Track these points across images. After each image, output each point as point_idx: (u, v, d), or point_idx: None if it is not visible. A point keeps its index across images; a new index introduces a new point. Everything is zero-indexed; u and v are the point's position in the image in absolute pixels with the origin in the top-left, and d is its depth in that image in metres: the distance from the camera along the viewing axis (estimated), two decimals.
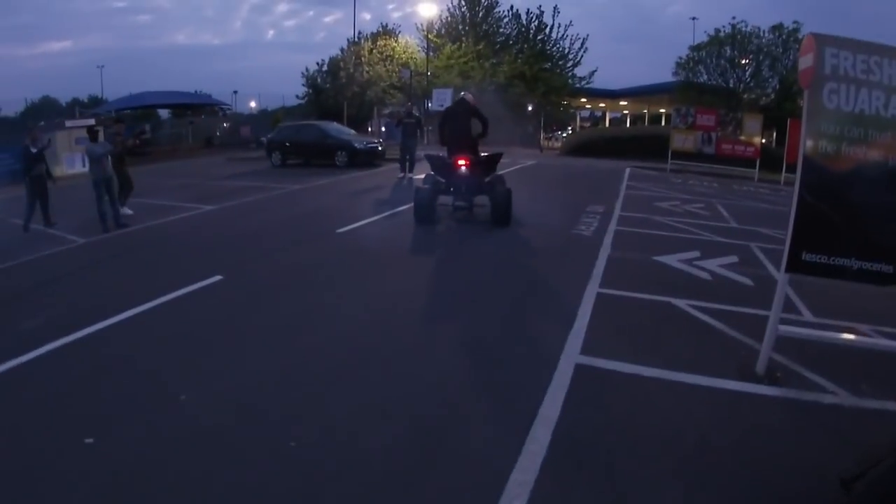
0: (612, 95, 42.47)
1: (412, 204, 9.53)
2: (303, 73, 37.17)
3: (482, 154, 9.37)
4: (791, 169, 18.75)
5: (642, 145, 24.28)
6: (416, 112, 14.84)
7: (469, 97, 9.61)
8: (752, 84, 29.55)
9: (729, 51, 28.64)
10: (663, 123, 42.14)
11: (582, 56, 33.89)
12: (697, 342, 4.80)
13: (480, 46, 32.18)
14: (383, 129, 30.45)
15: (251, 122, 34.72)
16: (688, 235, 9.22)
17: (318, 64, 36.79)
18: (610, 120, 50.91)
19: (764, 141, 20.48)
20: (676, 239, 8.91)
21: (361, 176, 16.64)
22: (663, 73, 34.98)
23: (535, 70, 32.33)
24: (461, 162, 8.81)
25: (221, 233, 9.37)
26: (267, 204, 12.13)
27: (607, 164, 21.01)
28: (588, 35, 33.73)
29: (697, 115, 18.84)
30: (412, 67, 30.66)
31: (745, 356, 4.44)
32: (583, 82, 35.73)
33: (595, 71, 33.77)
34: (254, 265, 7.23)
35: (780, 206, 14.15)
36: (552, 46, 34.11)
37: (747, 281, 6.73)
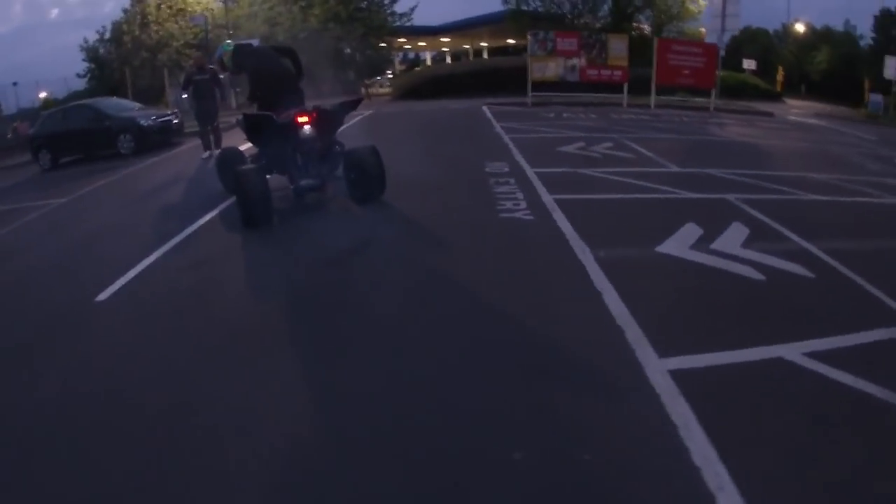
0: (433, 32, 38.98)
1: (233, 200, 5.89)
2: (81, 47, 29.93)
3: (330, 104, 5.98)
4: (662, 92, 17.88)
5: (485, 80, 21.73)
6: (211, 65, 9.96)
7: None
8: (584, 9, 27.94)
9: None
10: (485, 56, 40.38)
11: None
12: None
13: None
14: (184, 96, 24.06)
15: (30, 118, 25.90)
16: (647, 196, 6.30)
17: (98, 33, 29.65)
18: (432, 59, 47.69)
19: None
20: (642, 206, 5.98)
21: (155, 164, 11.31)
22: (485, 5, 31.97)
23: (350, 10, 27.82)
24: (302, 119, 5.42)
25: None
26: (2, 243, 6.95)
27: (457, 104, 17.76)
28: None
29: (558, 39, 16.07)
30: (209, 19, 24.72)
31: None
32: (403, 20, 31.82)
33: (415, 6, 30.04)
34: None
35: (690, 135, 12.00)
36: None
37: (803, 271, 4.10)
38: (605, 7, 28.09)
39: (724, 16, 16.96)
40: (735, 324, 3.35)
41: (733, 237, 4.81)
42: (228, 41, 6.59)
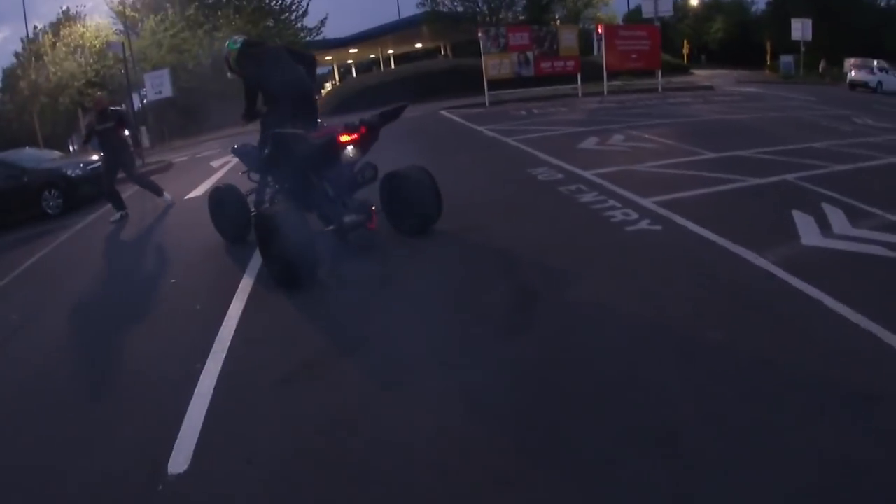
0: (342, 44, 37.96)
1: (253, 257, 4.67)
2: None
3: (376, 115, 4.57)
4: (613, 77, 18.13)
5: (421, 85, 21.36)
6: (116, 107, 8.34)
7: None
8: (500, 5, 28.11)
9: None
10: (393, 66, 39.88)
11: (308, 3, 28.70)
12: None
13: (190, 12, 24.91)
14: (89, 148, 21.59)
15: None
16: (727, 188, 6.05)
17: None
18: (339, 70, 46.59)
19: None
20: (733, 198, 5.74)
21: (98, 222, 8.51)
22: (383, 14, 31.65)
23: (260, 28, 26.36)
24: (346, 137, 4.27)
25: None
26: None
27: (409, 112, 16.93)
28: None
29: (510, 34, 15.82)
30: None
31: None
32: (313, 34, 30.64)
33: (325, 19, 29.10)
34: None
35: (677, 117, 12.11)
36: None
37: None
38: (520, 3, 28.36)
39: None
40: None
41: (838, 220, 4.81)
42: (236, 38, 5.23)
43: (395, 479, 2.23)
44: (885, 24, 36.65)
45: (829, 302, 3.32)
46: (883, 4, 38.77)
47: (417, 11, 30.90)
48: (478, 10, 28.39)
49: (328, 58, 42.44)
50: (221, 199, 5.54)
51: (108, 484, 2.42)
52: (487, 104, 16.09)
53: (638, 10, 40.80)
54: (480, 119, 13.19)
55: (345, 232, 4.58)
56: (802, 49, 24.91)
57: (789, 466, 2.11)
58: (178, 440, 2.60)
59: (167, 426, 2.70)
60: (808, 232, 4.59)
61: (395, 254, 4.81)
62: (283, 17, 29.61)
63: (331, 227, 4.57)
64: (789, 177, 6.44)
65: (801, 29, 24.04)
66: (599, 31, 17.16)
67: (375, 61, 44.77)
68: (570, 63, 16.29)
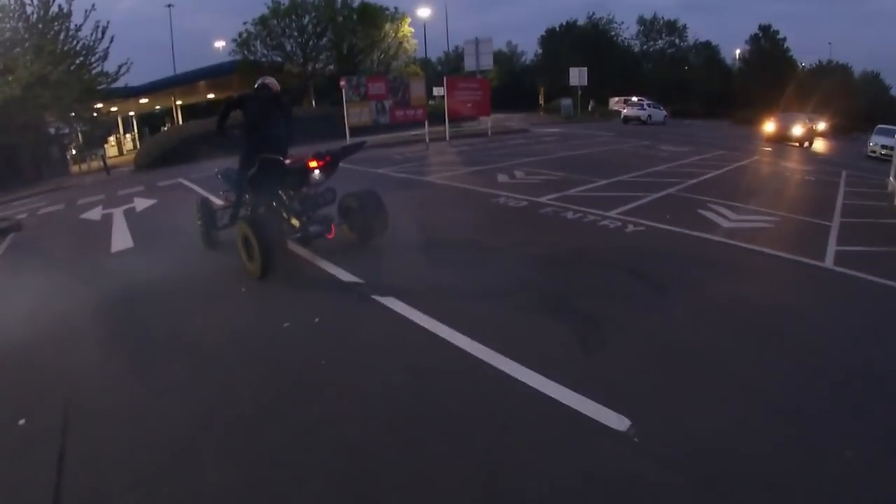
0: (134, 93, 35.06)
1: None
2: None
3: (339, 148, 5.94)
4: (452, 123, 20.13)
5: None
6: None
7: (272, 82, 6.09)
8: (310, 55, 29.27)
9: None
10: (180, 120, 38.14)
11: (109, 46, 26.10)
12: None
13: None
14: None
15: None
16: (645, 200, 8.43)
17: None
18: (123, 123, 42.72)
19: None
20: (657, 205, 8.12)
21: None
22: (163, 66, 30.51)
23: (59, 73, 23.32)
24: (314, 163, 5.48)
25: None
26: None
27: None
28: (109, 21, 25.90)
29: (369, 84, 17.10)
30: None
31: None
32: (109, 81, 27.88)
33: (126, 64, 26.40)
34: None
35: (542, 155, 14.65)
36: (69, 38, 25.06)
37: None
38: (329, 54, 29.81)
39: (477, 54, 20.14)
40: None
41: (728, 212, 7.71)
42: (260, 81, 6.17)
43: None
44: (639, 64, 46.16)
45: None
46: (636, 49, 48.75)
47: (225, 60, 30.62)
48: (284, 59, 29.14)
49: (113, 109, 38.32)
50: (206, 209, 6.58)
51: None
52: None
53: (427, 60, 45.23)
54: (364, 163, 13.76)
55: (308, 239, 5.84)
56: (580, 92, 30.46)
57: None
58: None
59: None
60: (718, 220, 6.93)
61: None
62: (79, 61, 26.42)
63: (297, 235, 5.79)
64: (671, 190, 8.98)
65: (578, 76, 29.42)
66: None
67: (167, 111, 42.13)
68: (419, 111, 18.15)
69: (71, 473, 2.54)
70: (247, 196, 6.18)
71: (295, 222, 5.70)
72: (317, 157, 5.38)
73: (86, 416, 3.04)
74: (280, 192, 5.73)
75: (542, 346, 3.57)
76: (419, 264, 5.62)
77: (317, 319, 4.17)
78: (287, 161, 5.52)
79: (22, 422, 2.97)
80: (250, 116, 5.83)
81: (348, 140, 5.41)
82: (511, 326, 3.92)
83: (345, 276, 5.19)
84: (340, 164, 5.73)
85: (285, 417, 2.93)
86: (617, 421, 2.73)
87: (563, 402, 2.91)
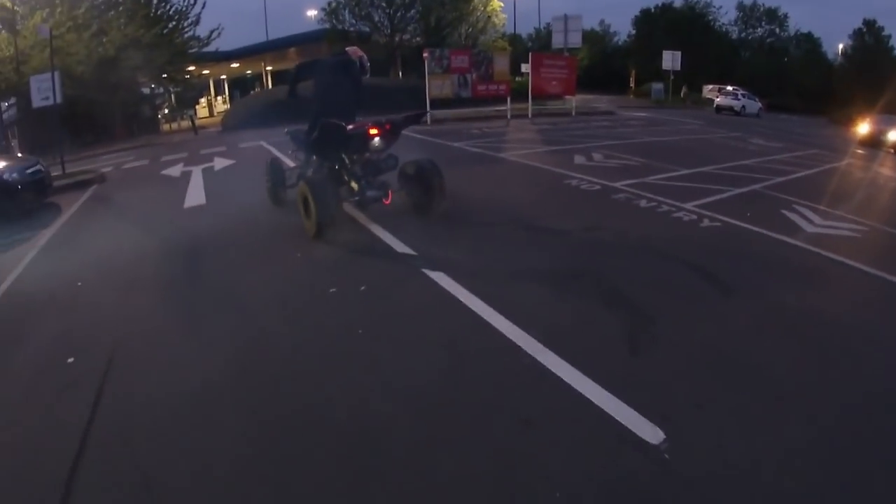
0: (226, 57, 36.52)
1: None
2: None
3: (400, 117, 5.93)
4: (535, 101, 19.77)
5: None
6: None
7: (353, 49, 6.19)
8: (399, 26, 29.33)
9: None
10: (269, 85, 39.37)
11: (201, 11, 27.27)
12: None
13: (81, 11, 22.74)
14: None
15: None
16: (726, 195, 7.85)
17: None
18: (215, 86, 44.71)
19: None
20: (738, 201, 7.57)
21: (31, 242, 6.19)
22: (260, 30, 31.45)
23: (151, 35, 24.66)
24: (374, 131, 5.50)
25: None
26: None
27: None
28: None
29: (452, 56, 16.92)
30: None
31: None
32: (200, 45, 29.02)
33: (217, 29, 27.47)
34: None
35: (624, 139, 14.10)
36: (163, 3, 26.38)
37: None
38: (417, 26, 29.74)
39: (566, 31, 19.47)
40: None
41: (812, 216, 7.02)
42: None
43: None
44: (736, 53, 43.44)
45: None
46: (734, 36, 45.95)
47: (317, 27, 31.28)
48: (373, 29, 29.37)
49: (206, 71, 40.40)
50: (275, 168, 6.83)
51: None
52: (429, 122, 17.01)
53: (517, 36, 44.37)
54: (441, 136, 13.92)
55: (365, 203, 5.87)
56: (672, 77, 28.98)
57: None
58: None
59: None
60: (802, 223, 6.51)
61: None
62: (172, 25, 27.91)
63: (355, 199, 5.81)
64: (756, 187, 8.35)
65: (671, 60, 27.98)
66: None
67: (258, 76, 43.67)
68: (503, 87, 17.79)
69: (103, 416, 2.66)
70: (312, 157, 6.38)
71: (354, 186, 5.77)
72: (377, 124, 5.44)
73: (129, 360, 3.19)
74: (343, 155, 5.80)
75: (586, 340, 3.39)
76: (476, 241, 5.49)
77: (363, 287, 4.18)
78: (350, 127, 5.54)
79: (71, 360, 3.14)
80: (318, 81, 6.04)
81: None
82: (558, 314, 3.75)
83: (400, 246, 5.16)
84: (417, 137, 5.71)
85: (311, 381, 2.95)
86: (650, 432, 2.52)
87: (596, 402, 2.72)
